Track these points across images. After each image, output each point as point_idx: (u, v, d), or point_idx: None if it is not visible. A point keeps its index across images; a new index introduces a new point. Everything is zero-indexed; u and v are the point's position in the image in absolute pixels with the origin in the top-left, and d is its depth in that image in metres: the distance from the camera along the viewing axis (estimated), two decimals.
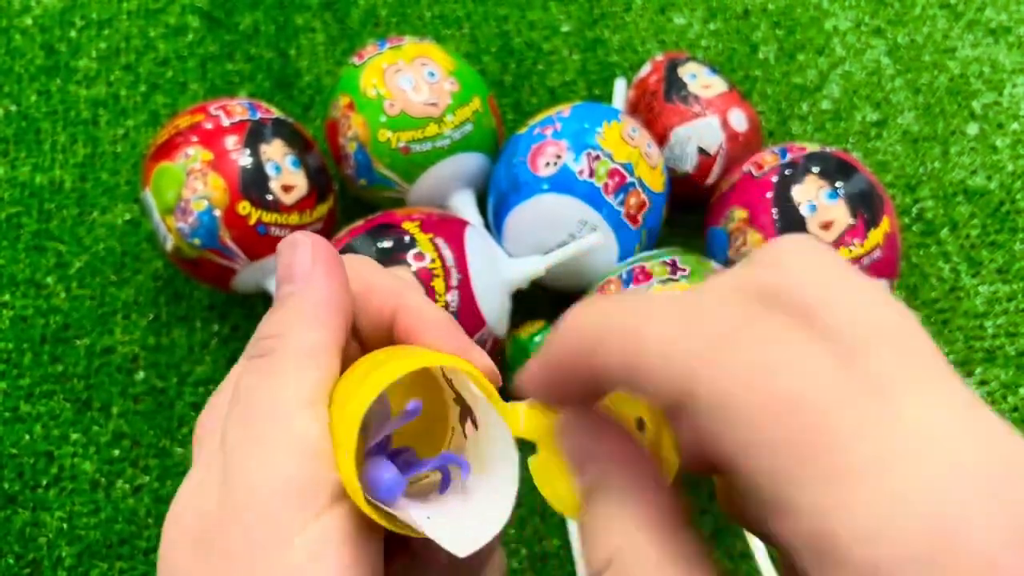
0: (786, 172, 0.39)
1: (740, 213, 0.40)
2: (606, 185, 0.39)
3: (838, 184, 0.38)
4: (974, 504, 0.13)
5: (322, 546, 0.17)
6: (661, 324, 0.16)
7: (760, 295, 0.16)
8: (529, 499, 0.39)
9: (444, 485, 0.20)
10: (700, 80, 0.44)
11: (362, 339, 0.22)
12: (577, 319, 0.18)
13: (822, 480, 0.14)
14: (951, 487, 0.13)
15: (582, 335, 0.17)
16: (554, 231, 0.40)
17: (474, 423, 0.20)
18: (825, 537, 0.14)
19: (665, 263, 0.37)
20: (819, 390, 0.14)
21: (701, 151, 0.43)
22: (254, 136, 0.39)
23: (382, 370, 0.18)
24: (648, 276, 0.37)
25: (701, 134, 0.43)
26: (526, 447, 0.20)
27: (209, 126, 0.39)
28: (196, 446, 0.21)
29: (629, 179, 0.39)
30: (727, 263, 0.40)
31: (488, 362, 0.20)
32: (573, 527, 0.39)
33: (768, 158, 0.40)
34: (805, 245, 0.17)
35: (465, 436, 0.20)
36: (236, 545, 0.18)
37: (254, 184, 0.38)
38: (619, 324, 0.17)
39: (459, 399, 0.20)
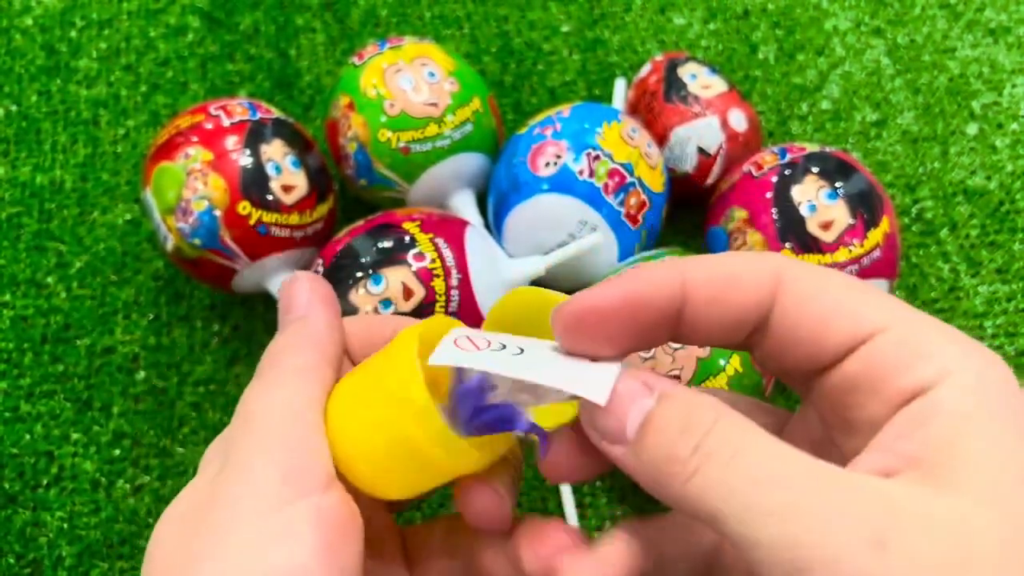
0: (786, 172, 0.39)
1: (740, 213, 0.40)
2: (606, 185, 0.39)
3: (838, 184, 0.38)
4: None
5: (301, 524, 0.19)
6: (733, 253, 0.20)
7: None
8: (528, 499, 0.39)
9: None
10: (700, 80, 0.44)
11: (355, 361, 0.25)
12: (639, 267, 0.20)
13: None
14: None
15: (661, 265, 0.19)
16: (554, 231, 0.40)
17: None
18: None
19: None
20: None
21: (701, 151, 0.43)
22: (254, 136, 0.39)
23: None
24: None
25: (701, 134, 0.43)
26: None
27: (209, 126, 0.39)
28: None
29: (629, 179, 0.39)
30: None
31: None
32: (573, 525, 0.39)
33: (768, 158, 0.40)
34: None
35: None
36: (221, 514, 0.19)
37: (254, 184, 0.38)
38: (695, 258, 0.19)
39: None
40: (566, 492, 0.39)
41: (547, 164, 0.39)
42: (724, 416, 0.17)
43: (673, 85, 0.44)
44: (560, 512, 0.40)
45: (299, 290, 0.24)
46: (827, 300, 0.18)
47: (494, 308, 0.23)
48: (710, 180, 0.44)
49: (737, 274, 0.19)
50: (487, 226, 0.43)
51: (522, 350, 0.20)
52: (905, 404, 0.17)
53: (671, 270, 0.19)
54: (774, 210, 0.38)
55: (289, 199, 0.39)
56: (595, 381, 0.18)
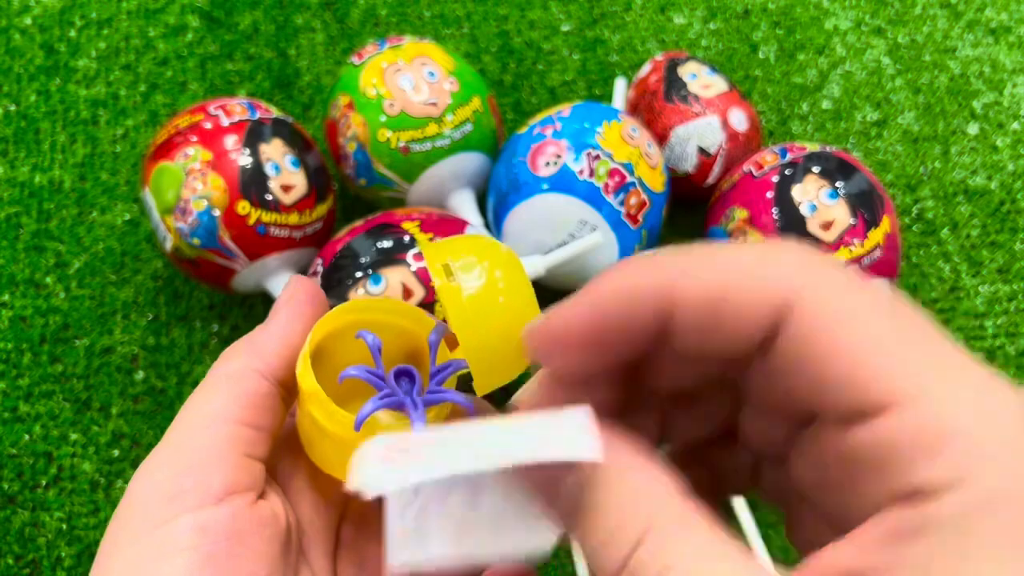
0: (786, 172, 0.39)
1: (740, 213, 0.39)
2: (606, 185, 0.39)
3: (838, 184, 0.38)
4: None
5: (180, 540, 0.19)
6: (742, 252, 0.15)
7: None
8: None
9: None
10: (700, 80, 0.44)
11: None
12: (628, 267, 0.16)
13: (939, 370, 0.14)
14: None
15: (648, 273, 0.16)
16: (554, 231, 0.40)
17: None
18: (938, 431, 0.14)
19: None
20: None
21: (701, 151, 0.43)
22: (253, 136, 0.39)
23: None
24: None
25: (701, 134, 0.43)
26: None
27: (208, 126, 0.39)
28: None
29: (629, 179, 0.39)
30: None
31: None
32: None
33: (768, 158, 0.40)
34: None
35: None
36: (112, 534, 0.20)
37: (253, 184, 0.38)
38: (691, 261, 0.16)
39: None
40: None
41: (547, 164, 0.39)
42: (658, 517, 0.15)
43: (673, 84, 0.44)
44: None
45: (280, 295, 0.24)
46: (845, 340, 0.14)
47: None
48: (710, 180, 0.44)
49: (737, 291, 0.15)
50: (487, 226, 0.43)
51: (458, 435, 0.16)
52: (904, 500, 0.14)
53: (655, 279, 0.15)
54: (775, 210, 0.38)
55: (288, 199, 0.39)
56: (574, 439, 0.15)
